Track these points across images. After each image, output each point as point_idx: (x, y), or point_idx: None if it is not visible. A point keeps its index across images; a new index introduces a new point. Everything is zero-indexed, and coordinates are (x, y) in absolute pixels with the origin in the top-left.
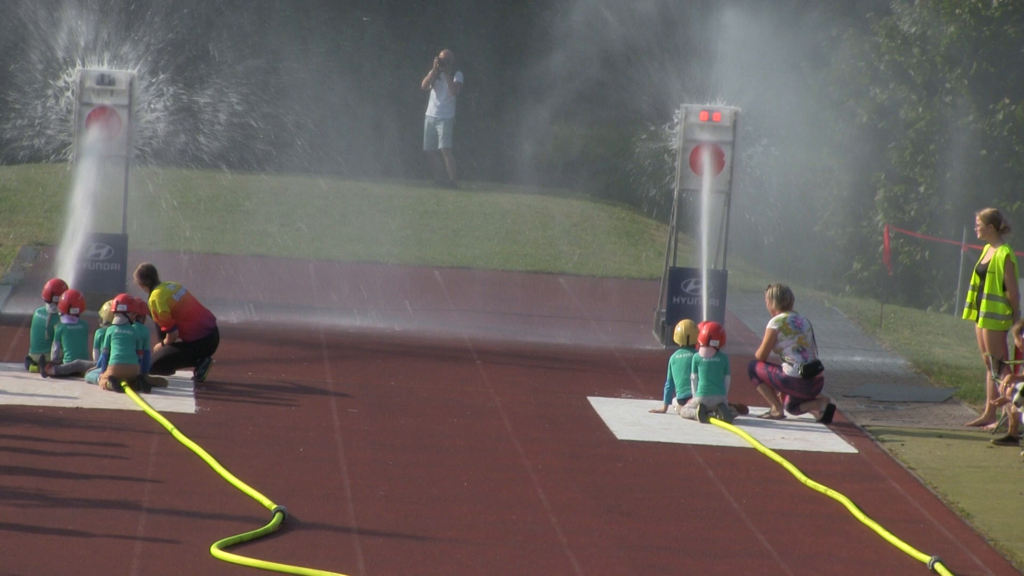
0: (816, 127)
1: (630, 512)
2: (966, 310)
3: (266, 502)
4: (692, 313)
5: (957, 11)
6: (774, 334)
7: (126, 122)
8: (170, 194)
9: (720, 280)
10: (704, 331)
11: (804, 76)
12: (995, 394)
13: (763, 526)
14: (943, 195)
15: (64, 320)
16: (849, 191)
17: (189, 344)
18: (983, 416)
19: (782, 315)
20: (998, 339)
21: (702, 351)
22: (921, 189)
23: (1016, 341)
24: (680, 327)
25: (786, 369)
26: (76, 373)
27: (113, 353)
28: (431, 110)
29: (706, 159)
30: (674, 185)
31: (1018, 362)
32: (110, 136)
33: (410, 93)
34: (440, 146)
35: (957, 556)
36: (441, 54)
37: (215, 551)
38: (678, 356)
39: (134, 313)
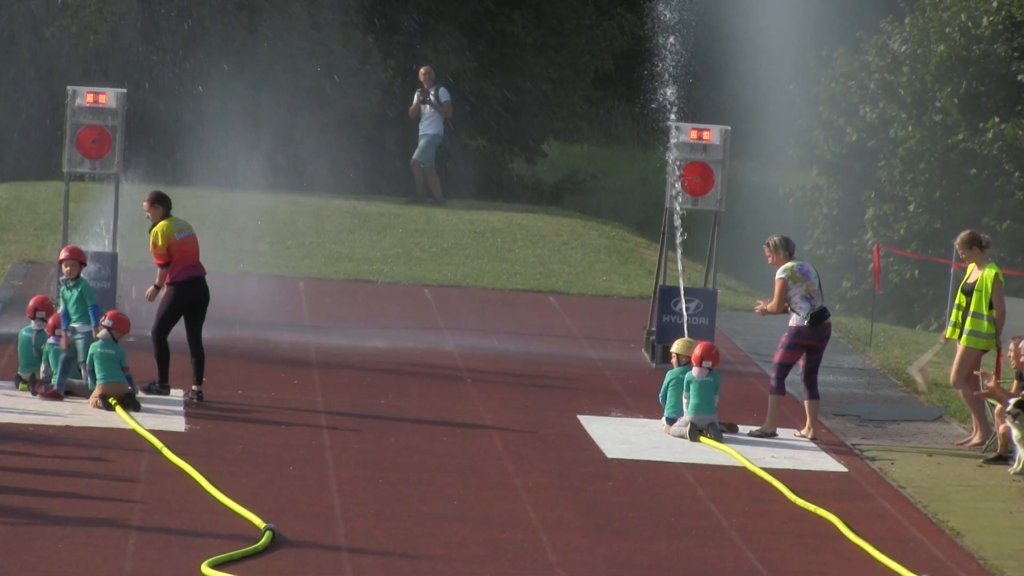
0: (806, 146)
1: (620, 531)
2: (950, 329)
3: (256, 520)
4: (682, 332)
5: (947, 30)
6: (784, 283)
7: (116, 140)
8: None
9: (710, 299)
10: (698, 351)
11: (793, 95)
12: (980, 408)
13: (753, 545)
14: (933, 214)
15: (52, 340)
16: (839, 210)
17: (178, 288)
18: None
19: (789, 264)
20: (975, 357)
21: (695, 370)
22: (911, 208)
23: (1012, 357)
24: (675, 346)
25: (793, 320)
26: (67, 392)
27: (99, 373)
28: (422, 126)
29: (700, 178)
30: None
31: (995, 380)
32: (100, 154)
33: (401, 112)
34: (416, 158)
35: (947, 575)
36: (424, 71)
37: (205, 569)
38: (672, 376)
39: (119, 331)
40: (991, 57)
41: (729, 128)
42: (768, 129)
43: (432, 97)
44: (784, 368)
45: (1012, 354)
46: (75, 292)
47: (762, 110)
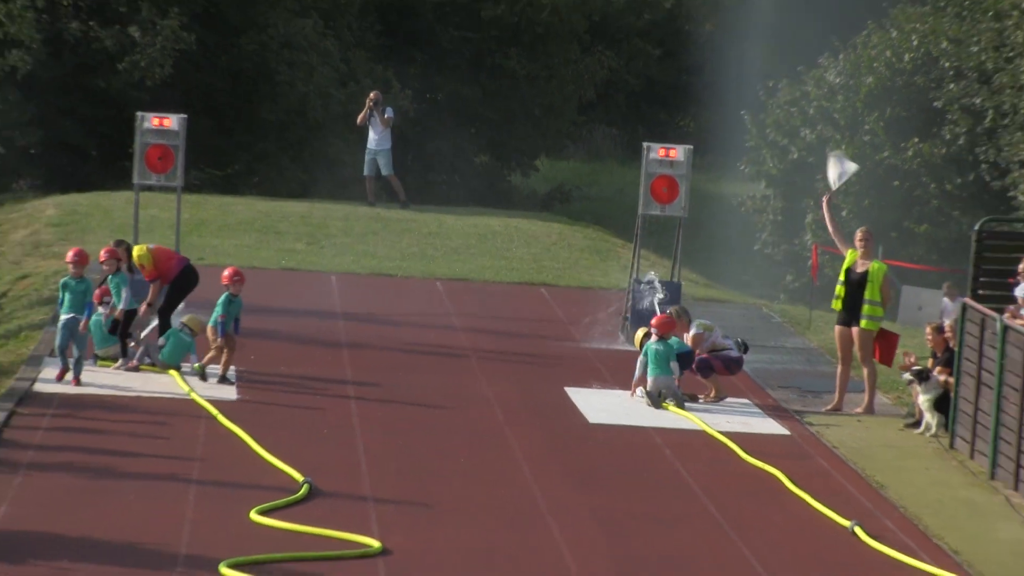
0: (756, 163)
1: (600, 485)
2: (835, 302)
3: (296, 475)
4: (651, 317)
5: (875, 64)
6: (701, 336)
7: (178, 157)
8: (214, 217)
9: (675, 290)
10: (653, 322)
11: (745, 120)
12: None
13: (711, 496)
14: (862, 219)
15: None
16: (783, 216)
17: (173, 284)
18: (866, 404)
19: (696, 322)
20: (871, 338)
21: (652, 338)
22: (844, 214)
23: (929, 340)
24: (638, 332)
25: (732, 353)
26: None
27: (166, 351)
28: (371, 143)
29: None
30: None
31: (915, 357)
32: (165, 169)
33: (415, 136)
34: (384, 173)
35: (874, 521)
36: (372, 95)
37: (254, 516)
38: (652, 346)
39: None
40: (912, 87)
41: (691, 147)
42: (724, 148)
43: (376, 112)
44: (710, 369)
45: (929, 337)
46: (81, 286)
47: (719, 133)
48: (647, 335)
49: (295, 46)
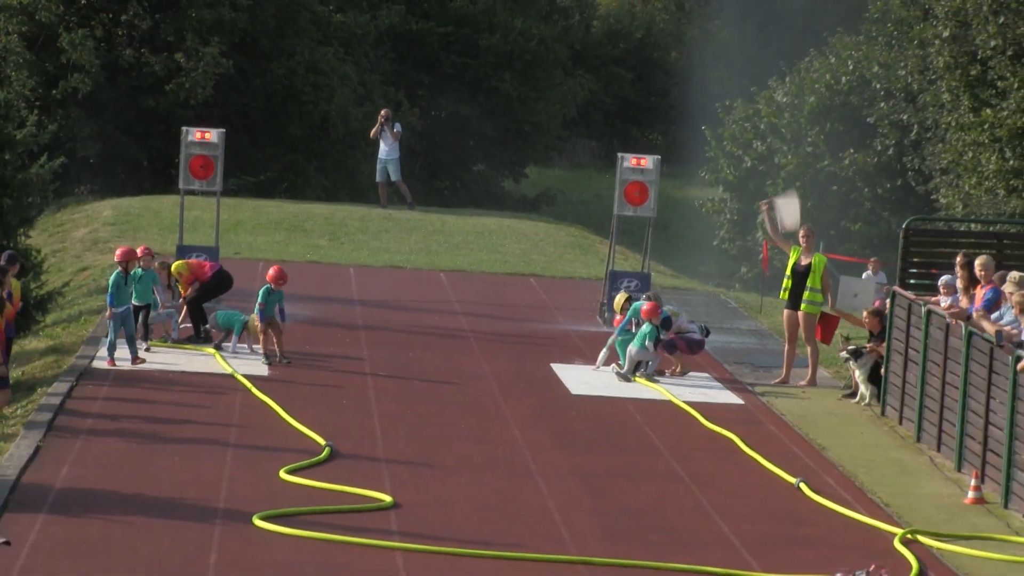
0: (714, 171)
1: (582, 447)
2: (783, 292)
3: (319, 439)
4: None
5: (816, 86)
6: (669, 320)
7: (218, 165)
8: (249, 217)
9: (645, 279)
10: (643, 308)
11: (705, 134)
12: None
13: (677, 456)
14: (805, 219)
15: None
16: (738, 216)
17: (206, 284)
18: (810, 377)
19: (665, 308)
20: (813, 320)
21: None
22: None
23: (867, 322)
24: (618, 297)
25: (695, 336)
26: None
27: (221, 314)
28: (382, 153)
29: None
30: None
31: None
32: (206, 176)
33: (422, 149)
34: (394, 180)
35: (816, 478)
36: (383, 112)
37: (283, 475)
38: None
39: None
40: (848, 106)
41: (659, 157)
42: (687, 158)
43: (387, 127)
44: (675, 348)
45: (866, 320)
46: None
47: (683, 145)
48: (628, 299)
49: (319, 71)
